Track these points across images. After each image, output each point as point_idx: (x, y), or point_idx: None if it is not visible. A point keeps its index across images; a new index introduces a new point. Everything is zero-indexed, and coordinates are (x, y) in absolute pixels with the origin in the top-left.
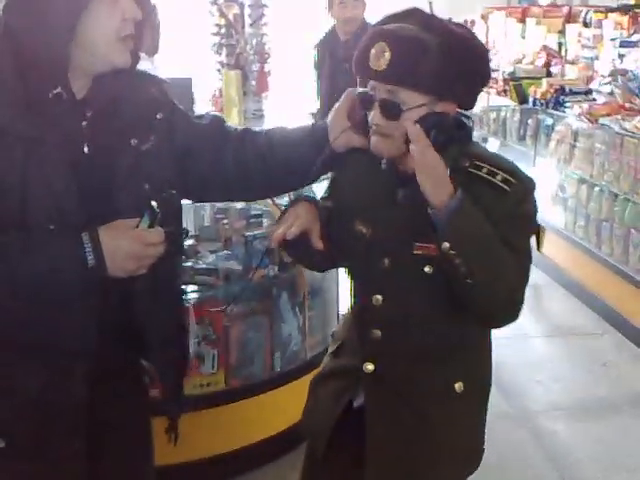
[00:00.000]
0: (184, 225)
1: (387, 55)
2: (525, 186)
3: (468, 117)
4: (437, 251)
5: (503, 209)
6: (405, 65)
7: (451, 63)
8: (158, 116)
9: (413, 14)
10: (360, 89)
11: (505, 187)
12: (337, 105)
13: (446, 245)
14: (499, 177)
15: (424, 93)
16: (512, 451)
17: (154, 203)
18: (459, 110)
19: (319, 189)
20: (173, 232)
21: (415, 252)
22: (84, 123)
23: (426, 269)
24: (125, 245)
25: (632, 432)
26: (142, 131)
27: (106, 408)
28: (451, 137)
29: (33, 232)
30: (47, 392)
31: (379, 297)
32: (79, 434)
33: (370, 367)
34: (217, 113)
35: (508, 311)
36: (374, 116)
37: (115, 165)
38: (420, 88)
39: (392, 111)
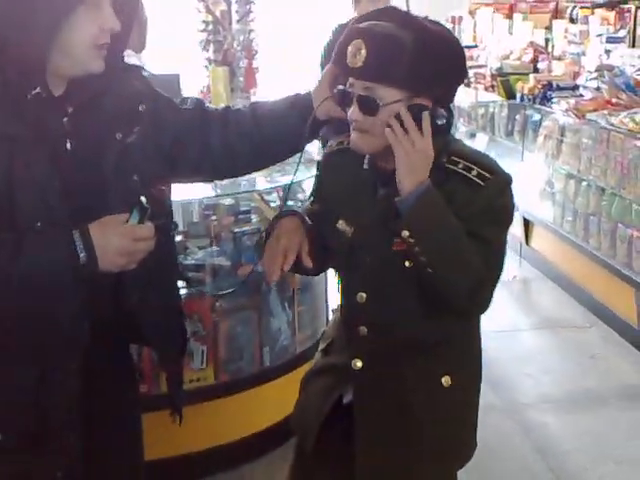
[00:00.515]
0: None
1: (363, 52)
2: (500, 180)
3: (449, 110)
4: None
5: (477, 203)
6: (381, 62)
7: (426, 59)
8: (141, 108)
9: (389, 12)
10: (338, 86)
11: (479, 182)
12: (321, 76)
13: (405, 233)
14: (474, 172)
15: (400, 89)
16: (500, 443)
17: (143, 198)
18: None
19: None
20: (163, 226)
21: (394, 248)
22: (65, 119)
23: (406, 264)
24: (115, 240)
25: (620, 424)
26: (126, 124)
27: (98, 403)
28: (437, 126)
29: (24, 231)
30: (42, 387)
31: (363, 295)
32: (74, 428)
33: (358, 364)
34: (198, 96)
35: (473, 302)
36: (352, 112)
37: (101, 160)
38: (396, 84)
39: (369, 107)
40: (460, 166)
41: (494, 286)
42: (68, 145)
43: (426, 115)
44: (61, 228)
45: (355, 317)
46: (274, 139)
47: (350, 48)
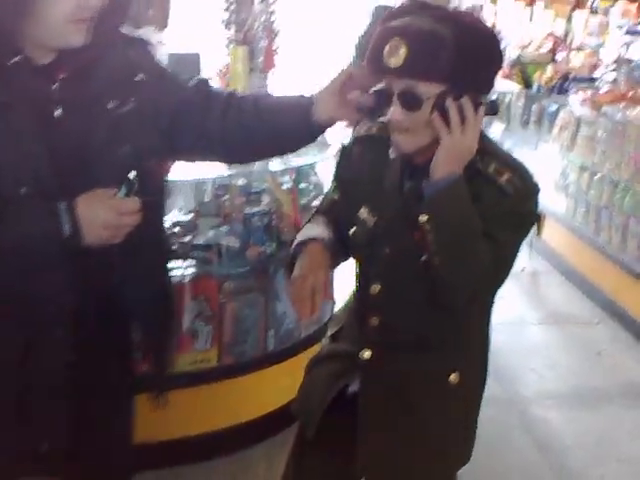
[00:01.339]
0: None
1: (402, 51)
2: (528, 189)
3: (492, 101)
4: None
5: (501, 208)
6: (422, 59)
7: (467, 52)
8: (137, 78)
9: (420, 6)
10: (376, 86)
11: (508, 189)
12: (331, 80)
13: (424, 217)
14: (504, 177)
15: (443, 83)
16: (500, 437)
17: (133, 173)
18: None
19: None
20: (150, 201)
21: (414, 239)
22: (54, 86)
23: (424, 258)
24: (101, 213)
25: (624, 422)
26: (120, 93)
27: (87, 375)
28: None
29: (9, 201)
30: (27, 354)
31: (378, 285)
32: (59, 397)
33: (367, 354)
34: (201, 78)
35: (471, 303)
36: (394, 112)
37: (91, 127)
38: (438, 79)
39: (413, 102)
40: (491, 168)
41: (496, 288)
42: (57, 112)
43: (481, 108)
44: (46, 199)
45: (367, 307)
46: (272, 136)
47: (387, 47)
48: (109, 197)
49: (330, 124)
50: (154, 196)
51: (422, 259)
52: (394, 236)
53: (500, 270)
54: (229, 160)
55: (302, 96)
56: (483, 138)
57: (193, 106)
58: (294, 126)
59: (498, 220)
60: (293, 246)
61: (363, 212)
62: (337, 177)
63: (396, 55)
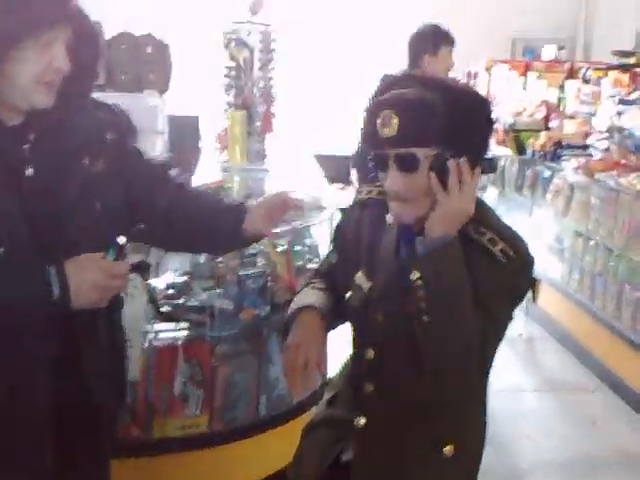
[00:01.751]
0: (155, 259)
1: (395, 121)
2: (522, 261)
3: (490, 158)
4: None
5: (494, 279)
6: (415, 127)
7: (457, 116)
8: (108, 136)
9: (409, 77)
10: (372, 152)
11: (502, 259)
12: (265, 198)
13: (416, 274)
14: (498, 247)
15: (436, 146)
16: None
17: (121, 238)
18: None
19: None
20: (138, 265)
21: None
22: (26, 146)
23: (424, 319)
24: (91, 275)
25: None
26: (93, 151)
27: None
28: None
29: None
30: (10, 402)
31: (372, 351)
32: (42, 448)
33: (362, 421)
34: (165, 160)
35: (457, 367)
36: (391, 180)
37: (64, 185)
38: (432, 144)
39: (410, 163)
40: (486, 238)
41: (487, 356)
42: (29, 171)
43: (478, 170)
44: (36, 263)
45: (362, 373)
46: (207, 234)
47: (379, 120)
48: (99, 259)
49: (257, 237)
50: (140, 260)
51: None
52: (388, 302)
53: (490, 338)
54: (161, 244)
55: (240, 204)
56: (479, 205)
57: (150, 183)
58: (227, 230)
59: (490, 290)
60: (288, 312)
61: (359, 277)
62: (335, 240)
63: (389, 126)
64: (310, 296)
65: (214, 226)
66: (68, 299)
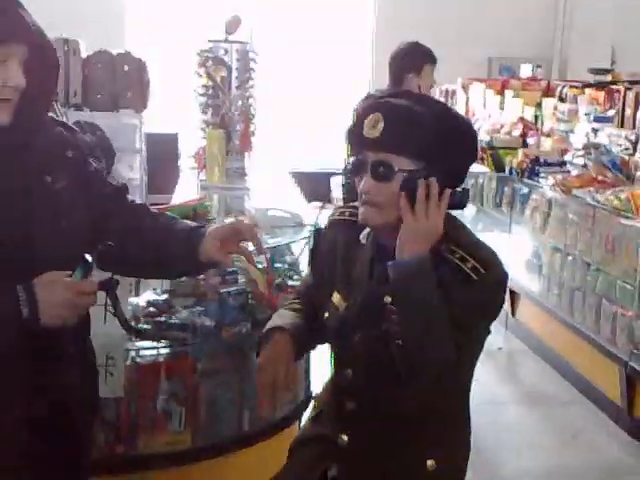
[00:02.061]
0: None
1: (381, 125)
2: (494, 277)
3: (463, 189)
4: None
5: (466, 296)
6: (398, 133)
7: (442, 132)
8: (68, 154)
9: (403, 92)
10: (353, 157)
11: (472, 276)
12: (220, 226)
13: (388, 298)
14: (469, 264)
15: (413, 160)
16: None
17: (88, 256)
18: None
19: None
20: (105, 284)
21: (384, 329)
22: None
23: (398, 342)
24: (59, 294)
25: None
26: (54, 169)
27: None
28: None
29: None
30: None
31: (349, 370)
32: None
33: (344, 438)
34: (123, 183)
35: (437, 382)
36: (365, 183)
37: (29, 204)
38: (411, 155)
39: (384, 174)
40: (457, 256)
41: (462, 372)
42: None
43: (447, 192)
44: (4, 282)
45: (342, 391)
46: (160, 260)
47: (367, 120)
48: (66, 278)
49: (211, 264)
50: (107, 277)
51: (397, 343)
52: (363, 322)
53: (465, 354)
54: (112, 267)
55: (197, 227)
56: (451, 223)
57: (108, 203)
58: (181, 255)
59: (463, 308)
60: (261, 334)
61: (335, 297)
62: (311, 261)
63: (374, 128)
64: (283, 317)
65: (168, 250)
66: (37, 318)
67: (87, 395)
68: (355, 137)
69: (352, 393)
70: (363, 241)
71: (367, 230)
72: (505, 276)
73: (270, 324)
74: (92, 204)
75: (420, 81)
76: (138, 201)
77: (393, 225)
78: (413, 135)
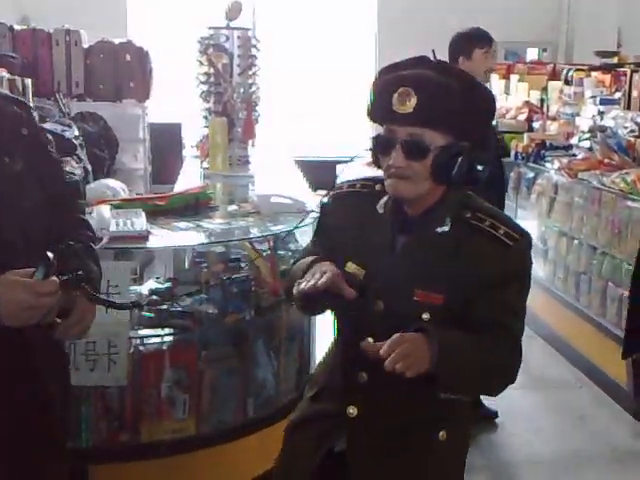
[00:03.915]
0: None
1: (413, 99)
2: (526, 241)
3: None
4: (441, 301)
5: (506, 265)
6: (432, 107)
7: (471, 103)
8: (23, 131)
9: (424, 61)
10: (378, 133)
11: (508, 242)
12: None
13: (418, 291)
14: (501, 231)
15: (445, 133)
16: None
17: (50, 254)
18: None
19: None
20: (70, 281)
21: (415, 299)
22: None
23: (424, 316)
24: (19, 295)
25: None
26: (10, 149)
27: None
28: (472, 169)
29: None
30: None
31: (370, 340)
32: None
33: (352, 411)
34: (77, 180)
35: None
36: (396, 158)
37: None
38: (443, 129)
39: (419, 151)
40: (487, 224)
41: (521, 340)
42: None
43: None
44: None
45: (356, 362)
46: None
47: (396, 95)
48: (27, 278)
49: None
50: (70, 275)
51: (423, 317)
52: (389, 292)
53: (520, 327)
54: None
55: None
56: (471, 197)
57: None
58: None
59: (507, 280)
60: (300, 267)
61: (350, 266)
62: (319, 235)
63: (406, 103)
64: (309, 258)
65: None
66: None
67: (56, 382)
68: (381, 112)
69: (366, 363)
70: (380, 211)
71: (384, 199)
72: (531, 237)
73: (301, 265)
74: (44, 184)
75: (471, 65)
76: (83, 215)
77: (424, 196)
78: (446, 108)
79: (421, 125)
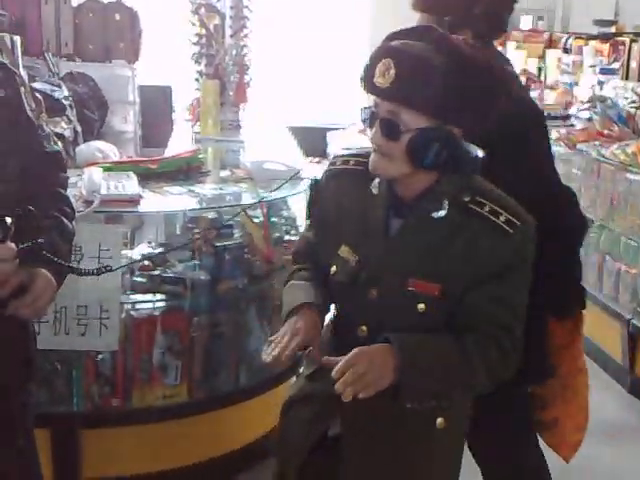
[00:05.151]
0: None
1: (392, 72)
2: (529, 228)
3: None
4: (437, 291)
5: (504, 252)
6: (409, 84)
7: (457, 86)
8: (0, 93)
9: (424, 31)
10: (364, 106)
11: (508, 229)
12: None
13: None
14: (502, 218)
15: (427, 115)
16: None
17: (8, 218)
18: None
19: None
20: (28, 248)
21: (409, 288)
22: None
23: (419, 306)
24: None
25: (601, 460)
26: None
27: None
28: (455, 156)
29: None
30: None
31: (364, 328)
32: None
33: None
34: (57, 150)
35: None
36: (374, 135)
37: None
38: (423, 109)
39: (391, 132)
40: (486, 209)
41: (520, 334)
42: None
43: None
44: None
45: (353, 347)
46: None
47: (379, 67)
48: None
49: None
50: (30, 242)
51: (419, 308)
52: (382, 278)
53: (519, 313)
54: None
55: None
56: (475, 179)
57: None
58: None
59: (503, 267)
60: (284, 310)
61: (343, 250)
62: (311, 214)
63: (385, 76)
64: (302, 290)
65: None
66: None
67: (14, 349)
68: (366, 83)
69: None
70: (375, 191)
71: (378, 179)
72: (536, 225)
73: (292, 300)
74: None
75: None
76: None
77: (407, 175)
78: (424, 87)
79: (398, 102)
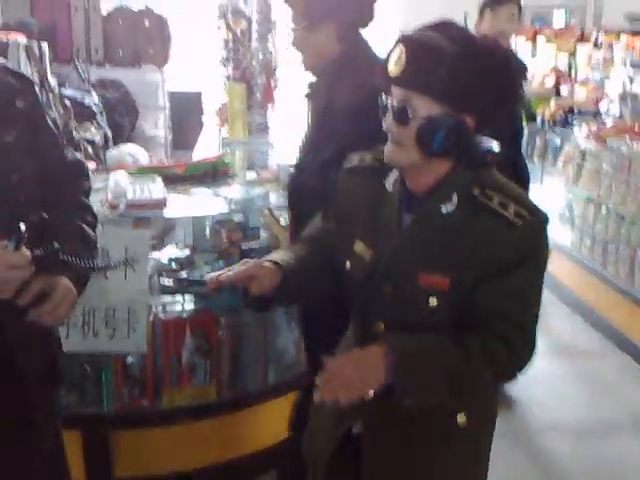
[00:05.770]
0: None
1: (403, 59)
2: (538, 221)
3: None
4: (447, 285)
5: (512, 245)
6: (418, 70)
7: (468, 73)
8: (18, 104)
9: (442, 25)
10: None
11: (517, 221)
12: None
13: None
14: (511, 210)
15: (439, 102)
16: (508, 470)
17: (22, 225)
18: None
19: None
20: (42, 254)
21: (420, 283)
22: None
23: (430, 301)
24: None
25: (633, 454)
26: (2, 119)
27: None
28: (462, 143)
29: None
30: None
31: (381, 324)
32: None
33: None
34: (79, 160)
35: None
36: (388, 121)
37: None
38: (433, 95)
39: (401, 117)
40: (495, 201)
41: (533, 329)
42: None
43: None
44: None
45: (372, 344)
46: None
47: (392, 55)
48: None
49: None
50: (45, 249)
51: (430, 303)
52: (396, 275)
53: (529, 310)
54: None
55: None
56: (486, 172)
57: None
58: None
59: (512, 260)
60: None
61: (358, 246)
62: (332, 208)
63: (397, 63)
64: (279, 254)
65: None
66: None
67: (37, 354)
68: (383, 70)
69: None
70: (389, 188)
71: (393, 177)
72: (547, 218)
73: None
74: (38, 160)
75: (482, 27)
76: (84, 198)
77: (416, 167)
78: (433, 73)
79: (409, 88)
